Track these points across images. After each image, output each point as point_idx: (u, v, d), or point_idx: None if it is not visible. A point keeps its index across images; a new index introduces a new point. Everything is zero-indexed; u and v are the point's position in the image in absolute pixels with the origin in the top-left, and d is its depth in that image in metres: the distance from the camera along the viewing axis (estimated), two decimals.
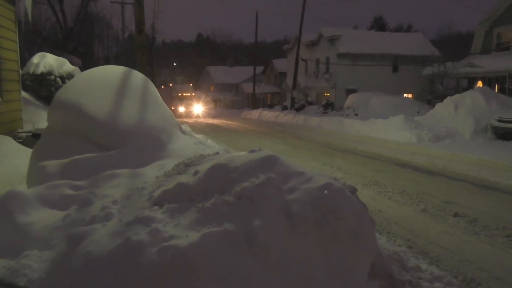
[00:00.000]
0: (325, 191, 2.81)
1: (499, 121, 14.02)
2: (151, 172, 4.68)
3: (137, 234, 2.88)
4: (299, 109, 30.04)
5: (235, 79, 52.01)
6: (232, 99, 50.00)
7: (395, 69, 30.43)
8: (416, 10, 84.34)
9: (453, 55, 24.32)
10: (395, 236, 4.69)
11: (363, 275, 2.86)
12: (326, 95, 31.31)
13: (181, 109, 34.36)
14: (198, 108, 34.71)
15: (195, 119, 29.14)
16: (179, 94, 37.98)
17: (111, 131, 5.22)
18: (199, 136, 7.43)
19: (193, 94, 38.57)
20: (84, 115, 5.29)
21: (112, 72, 6.49)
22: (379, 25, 49.76)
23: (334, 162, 9.73)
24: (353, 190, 3.09)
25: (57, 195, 4.38)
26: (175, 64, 68.22)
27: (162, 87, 40.64)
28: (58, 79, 11.99)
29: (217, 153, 4.29)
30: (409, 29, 49.84)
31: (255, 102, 41.31)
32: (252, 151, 3.64)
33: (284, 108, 32.68)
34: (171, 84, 42.51)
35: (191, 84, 48.62)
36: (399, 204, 6.17)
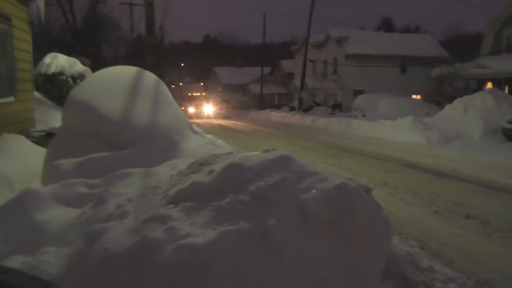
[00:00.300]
0: (341, 191, 2.83)
1: (509, 122, 13.92)
2: (164, 171, 4.73)
3: (153, 232, 2.92)
4: (306, 110, 30.05)
5: (242, 80, 52.10)
6: (239, 100, 50.09)
7: (403, 70, 30.32)
8: (424, 11, 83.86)
9: (461, 56, 24.19)
10: (407, 237, 4.70)
11: (378, 275, 2.87)
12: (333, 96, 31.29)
13: (191, 109, 33.75)
14: (208, 109, 34.22)
15: (205, 120, 28.73)
16: (189, 94, 38.01)
17: (124, 130, 5.28)
18: (209, 136, 7.49)
19: (203, 94, 38.93)
20: (98, 114, 5.35)
21: (125, 72, 6.56)
22: (386, 26, 49.61)
23: (343, 163, 9.73)
24: (368, 190, 3.10)
25: (72, 193, 4.45)
26: (182, 64, 68.53)
27: (172, 86, 40.64)
28: (69, 79, 12.12)
29: (231, 152, 4.33)
30: (417, 30, 49.63)
31: (263, 103, 41.35)
32: (266, 151, 3.67)
33: (292, 109, 32.71)
34: (181, 84, 42.59)
35: (201, 84, 48.59)
36: (410, 205, 6.16)
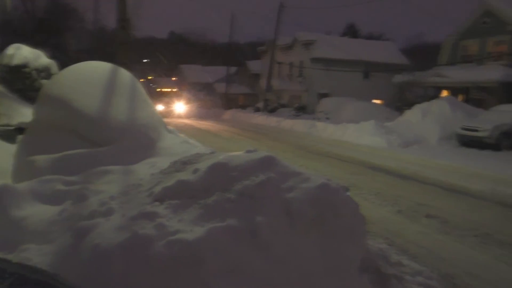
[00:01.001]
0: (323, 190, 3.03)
1: (463, 129, 14.79)
2: (144, 169, 4.77)
3: (143, 228, 3.00)
4: (272, 111, 30.41)
5: (208, 79, 51.85)
6: (204, 99, 49.78)
7: (366, 75, 31.32)
8: (387, 19, 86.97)
9: (421, 65, 25.35)
10: (375, 235, 4.99)
11: (355, 269, 3.10)
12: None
13: (160, 107, 29.96)
14: (180, 107, 31.38)
15: (174, 119, 26.88)
16: (158, 90, 34.67)
17: (102, 127, 5.26)
18: (182, 136, 7.53)
19: (175, 89, 33.86)
20: (75, 110, 5.31)
21: (99, 68, 6.50)
22: (351, 32, 50.97)
23: (310, 165, 10.03)
24: (346, 190, 3.33)
25: (50, 190, 4.41)
26: (145, 61, 67.21)
27: (141, 80, 37.22)
28: (34, 72, 11.71)
29: (213, 152, 4.45)
30: (380, 37, 51.31)
31: (228, 102, 41.39)
32: (249, 151, 3.82)
33: (257, 109, 32.97)
34: (150, 77, 36.65)
35: (173, 79, 44.68)
36: (375, 205, 6.50)
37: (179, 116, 29.67)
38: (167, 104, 30.85)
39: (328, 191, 3.10)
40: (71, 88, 5.60)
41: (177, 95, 33.18)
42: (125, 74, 6.62)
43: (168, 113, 28.90)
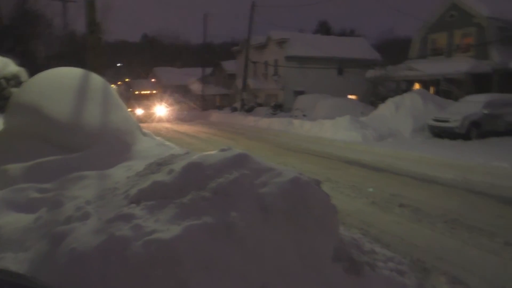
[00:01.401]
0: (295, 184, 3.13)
1: (434, 120, 15.23)
2: (120, 173, 4.79)
3: (120, 230, 3.03)
4: (249, 111, 30.53)
5: (184, 81, 51.56)
6: (181, 101, 49.44)
7: (340, 72, 31.77)
8: (358, 15, 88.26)
9: (393, 59, 25.91)
10: (350, 226, 5.14)
11: (329, 258, 3.21)
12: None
13: (139, 111, 27.82)
14: (160, 110, 29.01)
15: (155, 123, 25.40)
16: (136, 92, 32.55)
17: (75, 133, 5.24)
18: (159, 138, 7.55)
19: (155, 92, 31.08)
20: (46, 117, 5.27)
21: (70, 74, 6.45)
22: (324, 29, 51.63)
23: (287, 161, 10.17)
24: (318, 183, 3.44)
25: (24, 199, 4.39)
26: (118, 64, 66.42)
27: (118, 83, 35.31)
28: (2, 80, 11.45)
29: (187, 153, 4.50)
30: (352, 33, 52.10)
31: (205, 104, 41.28)
32: (223, 150, 3.90)
33: (234, 109, 33.03)
34: (127, 80, 33.46)
35: (153, 80, 42.60)
36: (350, 198, 6.67)
37: (160, 120, 27.90)
38: (147, 107, 28.76)
39: (299, 185, 3.20)
40: (42, 95, 5.55)
41: (156, 98, 30.70)
42: (96, 79, 6.59)
43: (148, 117, 27.12)
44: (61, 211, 3.84)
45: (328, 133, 16.72)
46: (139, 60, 64.57)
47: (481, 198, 6.62)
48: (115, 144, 5.39)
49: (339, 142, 14.80)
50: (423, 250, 4.40)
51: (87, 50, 10.47)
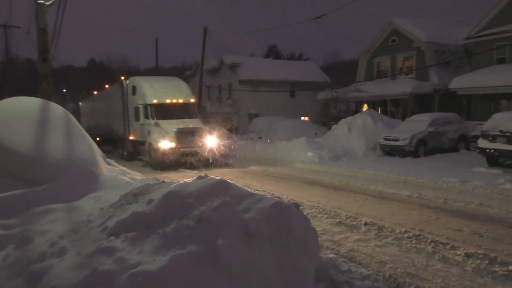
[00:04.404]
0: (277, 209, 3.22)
1: (385, 139, 16.00)
2: (89, 205, 4.66)
3: (102, 264, 2.97)
4: None
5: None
6: None
7: (292, 94, 32.64)
8: (305, 39, 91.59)
9: (340, 81, 27.11)
10: (322, 247, 5.27)
11: (311, 280, 3.31)
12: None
13: (164, 144, 14.33)
14: (211, 141, 15.07)
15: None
16: (155, 102, 14.85)
17: (38, 165, 5.05)
18: (122, 167, 7.38)
19: (192, 101, 15.95)
20: (6, 150, 5.05)
21: (28, 104, 6.24)
22: (274, 53, 52.96)
23: (250, 184, 10.26)
24: (297, 206, 3.55)
25: None
26: (64, 90, 64.15)
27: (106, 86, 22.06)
28: None
29: (163, 181, 4.47)
30: (300, 57, 53.86)
31: None
32: (200, 177, 3.93)
33: None
34: (123, 78, 16.79)
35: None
36: (317, 219, 6.84)
37: (221, 162, 15.50)
38: (186, 136, 14.71)
39: (281, 209, 3.30)
40: (0, 126, 5.32)
41: (194, 113, 16.59)
42: (57, 108, 6.42)
43: (192, 156, 14.81)
44: (32, 247, 3.68)
45: (285, 155, 17.01)
46: (85, 85, 62.70)
47: (437, 213, 7.03)
48: (81, 175, 5.24)
49: (297, 163, 15.11)
50: (393, 266, 4.61)
51: (40, 77, 10.13)
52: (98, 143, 15.44)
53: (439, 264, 4.68)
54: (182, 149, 14.46)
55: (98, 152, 6.23)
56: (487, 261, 4.72)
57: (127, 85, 17.26)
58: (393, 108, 23.93)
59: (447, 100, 21.36)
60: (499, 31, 18.85)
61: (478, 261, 4.73)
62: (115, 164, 7.17)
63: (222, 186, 3.59)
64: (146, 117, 15.51)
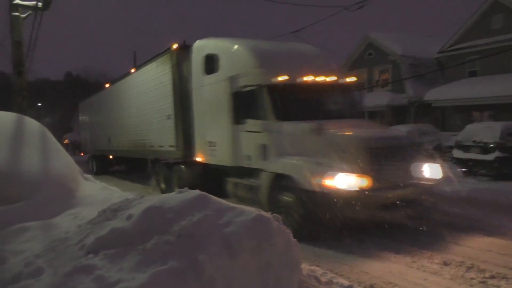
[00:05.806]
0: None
1: None
2: (66, 222, 4.56)
3: (81, 284, 2.90)
4: None
5: None
6: None
7: None
8: None
9: None
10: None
11: None
12: None
13: (340, 180, 5.77)
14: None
15: None
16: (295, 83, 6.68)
17: (12, 182, 4.93)
18: (101, 182, 7.25)
19: (352, 81, 7.99)
20: None
21: (3, 118, 6.11)
22: None
23: None
24: (278, 219, 3.57)
25: None
26: (39, 104, 63.06)
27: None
28: None
29: (142, 196, 4.42)
30: None
31: None
32: (180, 192, 3.91)
33: None
34: (175, 46, 7.74)
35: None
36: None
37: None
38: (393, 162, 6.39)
39: (262, 222, 3.31)
40: None
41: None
42: (32, 123, 6.30)
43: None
44: (6, 268, 3.57)
45: None
46: (61, 99, 61.65)
47: None
48: (58, 191, 5.14)
49: None
50: (374, 276, 4.65)
51: (14, 92, 9.94)
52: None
53: (418, 273, 4.74)
54: (385, 193, 6.11)
55: (75, 167, 6.12)
56: None
57: (191, 57, 9.27)
58: (372, 120, 24.36)
59: (423, 111, 21.92)
60: (470, 45, 19.57)
61: None
62: (93, 179, 7.06)
63: (203, 200, 3.57)
64: (261, 114, 7.02)
